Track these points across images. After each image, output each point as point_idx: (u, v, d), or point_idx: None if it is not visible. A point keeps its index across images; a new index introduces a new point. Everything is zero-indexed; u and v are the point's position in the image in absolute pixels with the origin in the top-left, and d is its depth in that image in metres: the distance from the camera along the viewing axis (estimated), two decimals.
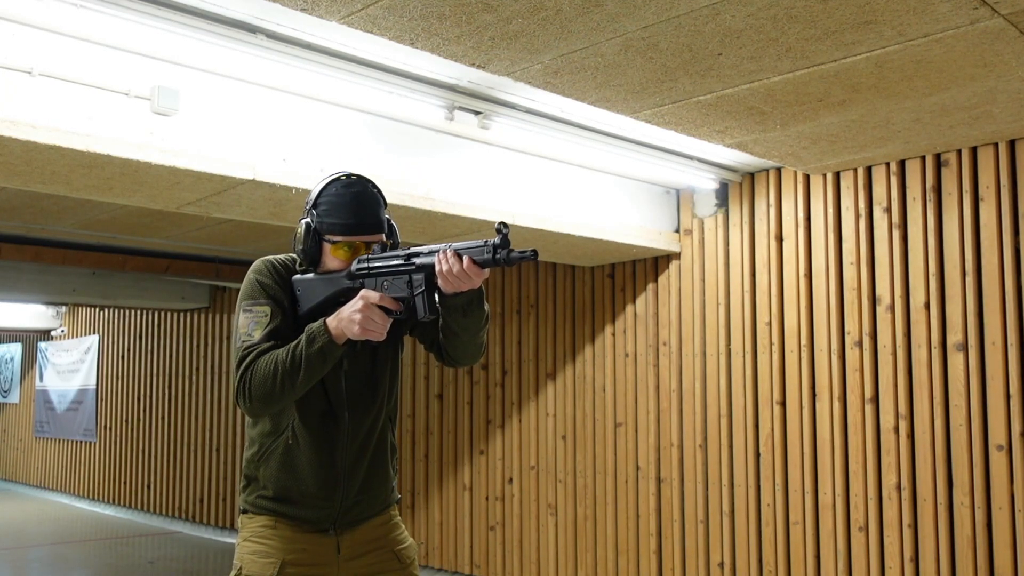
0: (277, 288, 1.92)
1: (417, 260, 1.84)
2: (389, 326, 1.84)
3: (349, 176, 1.96)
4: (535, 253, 1.74)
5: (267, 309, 1.89)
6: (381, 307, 1.82)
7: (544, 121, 3.55)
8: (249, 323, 1.88)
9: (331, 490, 1.92)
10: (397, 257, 1.86)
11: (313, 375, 1.81)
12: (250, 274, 1.95)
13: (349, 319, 1.79)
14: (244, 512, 1.98)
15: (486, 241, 1.77)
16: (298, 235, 1.93)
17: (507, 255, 1.74)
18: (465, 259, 1.76)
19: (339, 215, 1.90)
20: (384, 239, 1.95)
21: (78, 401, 10.07)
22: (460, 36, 2.45)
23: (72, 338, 10.36)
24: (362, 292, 1.83)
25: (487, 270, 1.78)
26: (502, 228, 1.75)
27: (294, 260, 1.97)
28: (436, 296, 1.86)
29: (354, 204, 1.91)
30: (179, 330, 8.42)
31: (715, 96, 2.98)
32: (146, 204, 3.40)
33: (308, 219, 1.92)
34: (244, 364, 1.84)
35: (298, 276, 1.94)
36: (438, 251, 1.81)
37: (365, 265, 1.89)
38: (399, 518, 2.07)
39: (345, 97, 3.27)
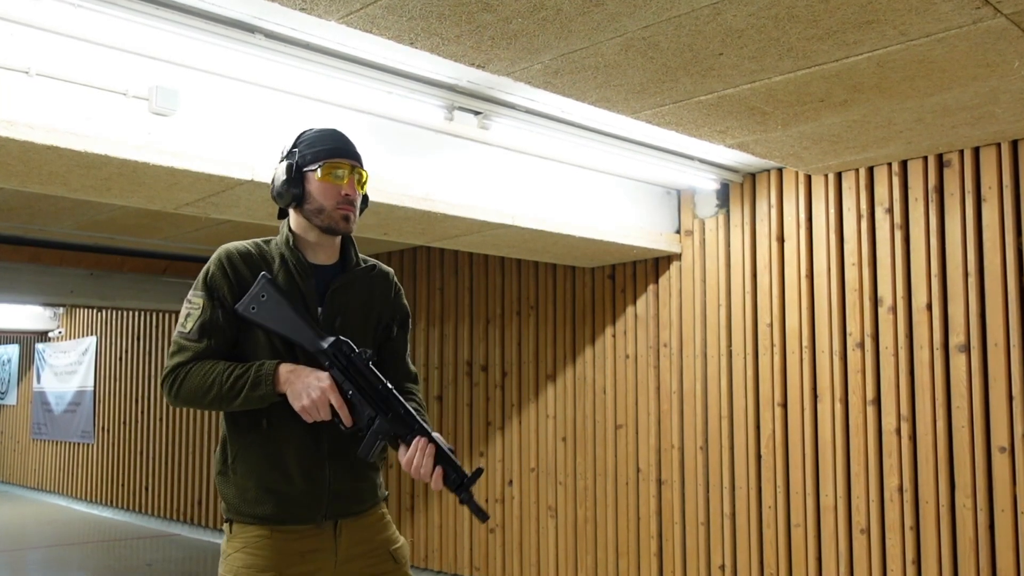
0: (220, 278, 1.88)
1: (394, 410, 1.82)
2: (322, 418, 1.80)
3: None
4: (486, 518, 1.83)
5: (200, 302, 1.87)
6: (333, 407, 1.79)
7: (544, 121, 3.54)
8: (185, 313, 1.89)
9: (317, 475, 1.87)
10: (379, 384, 1.82)
11: (247, 408, 1.83)
12: (209, 262, 1.93)
13: (300, 392, 1.77)
14: (230, 523, 1.90)
15: (459, 469, 1.81)
16: (276, 175, 1.91)
17: (468, 498, 1.80)
18: (438, 471, 1.79)
19: (323, 144, 1.91)
20: (363, 173, 1.94)
21: (76, 403, 10.04)
22: (460, 36, 2.44)
23: (70, 339, 10.33)
24: (328, 381, 1.78)
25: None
26: (477, 474, 1.80)
27: (257, 245, 1.94)
28: (384, 446, 1.85)
29: (336, 135, 1.95)
30: None
31: (716, 96, 2.97)
32: (144, 205, 3.39)
33: (288, 159, 1.91)
34: (177, 361, 1.85)
35: (268, 282, 1.85)
36: (420, 425, 1.81)
37: (344, 357, 1.82)
38: (389, 517, 2.04)
39: (344, 97, 3.26)
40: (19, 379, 11.81)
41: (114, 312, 9.35)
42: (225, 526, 1.92)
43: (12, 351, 12.02)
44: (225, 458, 1.90)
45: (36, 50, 2.63)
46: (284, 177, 1.89)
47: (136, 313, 8.97)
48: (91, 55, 2.75)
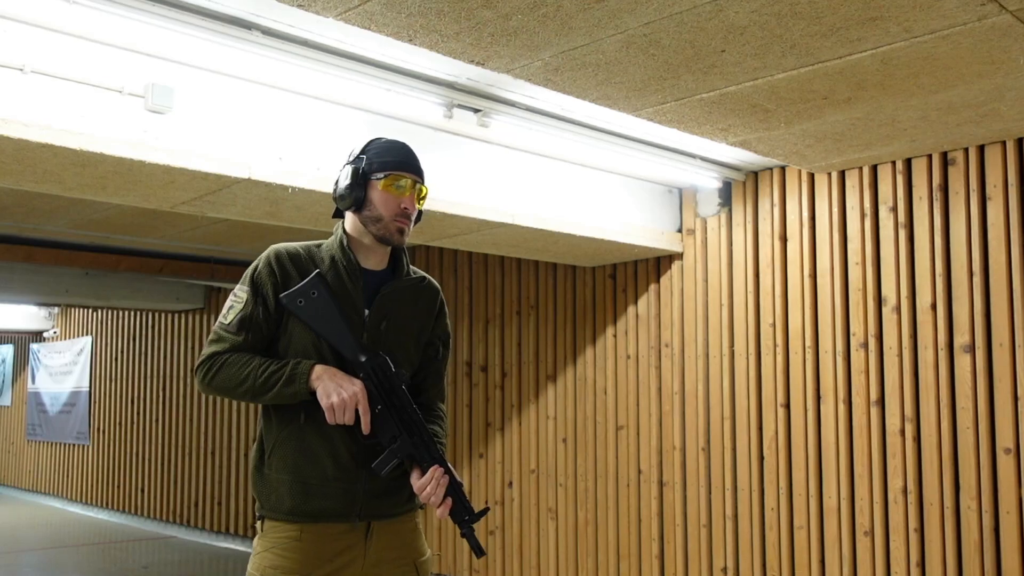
0: (266, 276, 1.92)
1: (419, 436, 1.88)
2: (345, 421, 1.84)
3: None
4: (482, 553, 1.90)
5: (244, 296, 1.93)
6: (358, 415, 1.84)
7: (544, 119, 3.53)
8: (228, 305, 1.95)
9: (351, 472, 1.89)
10: (408, 407, 1.88)
11: (278, 402, 1.88)
12: (257, 259, 1.98)
13: (331, 392, 1.82)
14: (262, 519, 1.93)
15: (467, 503, 1.89)
16: (341, 178, 1.96)
17: (469, 533, 1.88)
18: (447, 503, 1.86)
19: (391, 155, 1.97)
20: (424, 189, 1.99)
21: (71, 404, 10.01)
22: (459, 32, 2.43)
23: (65, 339, 10.30)
24: (359, 388, 1.84)
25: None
26: (483, 512, 1.90)
27: (308, 248, 1.97)
28: (397, 464, 1.90)
29: (405, 149, 2.00)
30: (174, 331, 8.37)
31: (718, 93, 2.96)
32: (140, 203, 3.38)
33: (354, 164, 1.96)
34: (214, 350, 1.91)
35: (320, 283, 1.88)
36: (437, 455, 1.88)
37: (382, 372, 1.87)
38: (420, 527, 2.05)
39: (342, 95, 3.25)
40: (13, 379, 11.78)
41: (110, 312, 9.33)
42: (257, 524, 1.95)
43: (6, 351, 12.00)
44: (262, 454, 1.94)
45: (31, 47, 2.63)
46: (349, 181, 1.94)
47: (132, 313, 8.94)
48: (86, 52, 2.74)
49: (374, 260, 1.99)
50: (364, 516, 1.91)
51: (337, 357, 1.89)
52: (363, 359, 1.87)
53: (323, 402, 1.82)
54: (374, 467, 1.86)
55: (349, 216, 1.99)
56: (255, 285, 1.92)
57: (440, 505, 1.86)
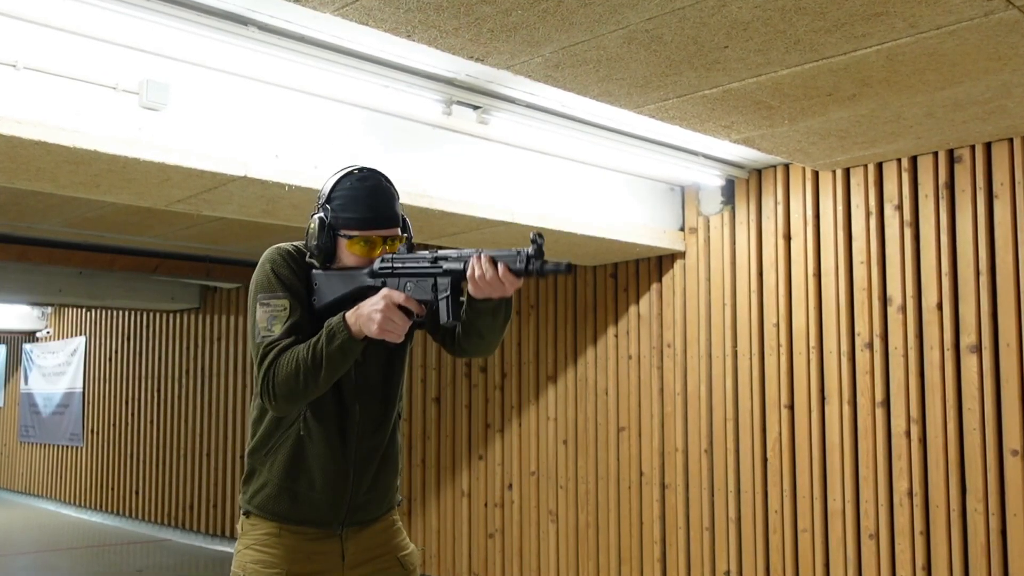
0: (293, 278, 1.89)
1: (445, 264, 1.82)
2: (408, 329, 1.81)
3: (362, 170, 1.94)
4: (569, 267, 1.72)
5: (285, 303, 1.86)
6: (403, 308, 1.79)
7: (545, 116, 3.51)
8: (268, 317, 1.86)
9: (340, 486, 1.89)
10: (423, 259, 1.84)
11: (336, 371, 1.80)
12: (264, 264, 1.91)
13: (368, 316, 1.77)
14: (246, 515, 1.94)
15: (519, 251, 1.75)
16: (311, 231, 1.89)
17: (540, 267, 1.72)
18: (501, 266, 1.74)
19: (355, 209, 1.88)
20: (399, 233, 1.93)
21: (64, 405, 9.98)
22: (458, 28, 2.42)
23: (58, 340, 10.26)
24: (384, 291, 1.80)
25: (520, 279, 1.77)
26: (537, 239, 1.72)
27: (298, 248, 1.95)
28: (460, 301, 1.86)
29: (370, 198, 1.89)
30: (169, 331, 8.34)
31: (721, 90, 2.95)
32: (135, 202, 3.37)
33: (322, 214, 1.89)
34: (267, 362, 1.82)
35: (317, 271, 1.91)
36: (469, 256, 1.79)
37: (389, 265, 1.86)
38: (400, 523, 2.06)
39: (340, 91, 3.23)
40: (6, 380, 11.76)
41: (104, 312, 9.28)
42: (242, 518, 1.96)
43: None
44: (258, 448, 1.93)
45: (24, 43, 2.61)
46: (317, 237, 1.88)
47: (126, 313, 8.90)
48: (80, 48, 2.72)
49: None
50: (345, 524, 1.93)
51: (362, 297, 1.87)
52: (375, 268, 1.86)
53: (373, 332, 1.76)
54: (448, 320, 1.82)
55: None
56: (291, 290, 1.87)
57: (498, 277, 1.74)
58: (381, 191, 1.91)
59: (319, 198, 1.93)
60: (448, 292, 1.82)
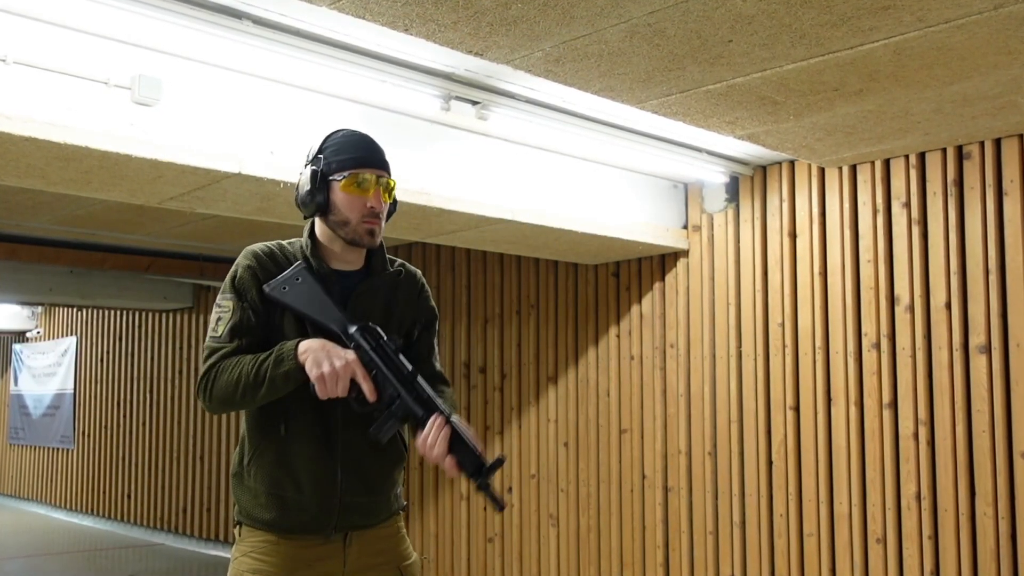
0: (248, 279, 1.88)
1: (414, 392, 1.80)
2: (339, 392, 1.77)
3: (351, 129, 1.98)
4: (502, 507, 1.81)
5: (230, 304, 1.87)
6: (355, 383, 1.77)
7: (545, 112, 3.50)
8: (215, 318, 1.89)
9: (328, 483, 1.86)
10: (404, 367, 1.81)
11: (276, 393, 1.80)
12: (234, 264, 1.92)
13: (318, 360, 1.74)
14: (239, 524, 1.93)
15: (481, 456, 1.77)
16: (301, 183, 1.89)
17: (485, 484, 1.78)
18: (449, 460, 1.76)
19: (348, 151, 1.89)
20: (391, 182, 1.92)
21: (55, 406, 9.94)
22: (457, 22, 2.40)
23: (48, 340, 10.23)
24: (353, 356, 1.77)
25: (458, 473, 1.79)
26: (497, 463, 1.78)
27: (280, 245, 1.94)
28: (396, 428, 1.84)
29: (363, 142, 1.92)
30: (161, 331, 8.30)
31: (725, 85, 2.93)
32: (126, 199, 3.36)
33: (313, 165, 1.89)
34: (209, 363, 1.85)
35: (304, 269, 1.87)
36: (436, 409, 1.79)
37: (372, 340, 1.81)
38: (404, 531, 2.02)
39: (336, 87, 3.22)
40: None
41: (95, 311, 9.24)
42: (236, 528, 1.94)
43: None
44: (242, 459, 1.92)
45: (13, 37, 2.59)
46: (308, 186, 1.88)
47: (118, 312, 8.86)
48: (71, 42, 2.71)
49: (348, 261, 1.95)
50: (340, 528, 1.89)
51: (327, 336, 1.83)
52: (352, 329, 1.82)
53: (312, 374, 1.73)
54: (371, 432, 1.80)
55: (317, 220, 1.94)
56: (238, 291, 1.87)
57: (444, 459, 1.76)
58: (372, 140, 1.94)
59: (308, 155, 1.93)
60: (396, 417, 1.80)
